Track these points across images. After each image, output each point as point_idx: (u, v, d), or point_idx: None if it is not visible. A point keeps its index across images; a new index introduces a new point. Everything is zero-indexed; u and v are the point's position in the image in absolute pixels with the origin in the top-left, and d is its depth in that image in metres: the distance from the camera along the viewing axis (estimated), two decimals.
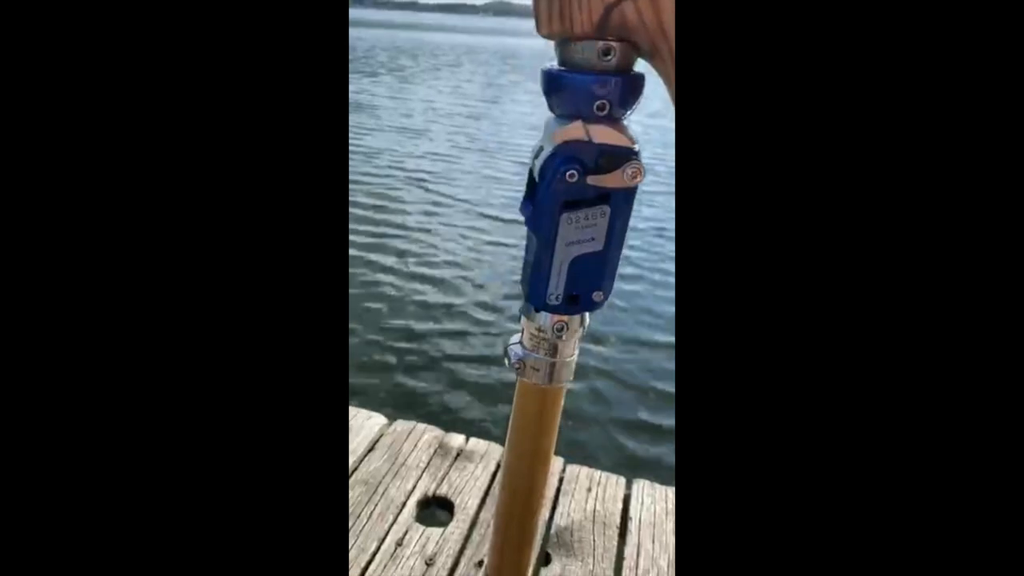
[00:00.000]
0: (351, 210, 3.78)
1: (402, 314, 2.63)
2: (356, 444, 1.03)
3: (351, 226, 3.49)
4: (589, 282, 0.36)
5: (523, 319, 0.39)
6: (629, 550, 0.87)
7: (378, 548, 0.84)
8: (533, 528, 0.46)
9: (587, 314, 0.38)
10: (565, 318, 0.37)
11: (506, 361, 0.40)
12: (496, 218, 3.83)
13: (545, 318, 0.37)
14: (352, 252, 3.11)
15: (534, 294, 0.37)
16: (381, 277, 2.95)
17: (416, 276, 2.99)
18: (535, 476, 0.42)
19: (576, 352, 0.40)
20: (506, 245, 3.42)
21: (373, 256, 3.16)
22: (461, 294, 2.84)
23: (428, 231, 3.60)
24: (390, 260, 3.15)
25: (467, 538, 0.87)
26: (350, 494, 0.93)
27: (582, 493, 0.96)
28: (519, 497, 0.44)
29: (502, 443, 1.06)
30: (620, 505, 0.94)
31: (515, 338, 0.41)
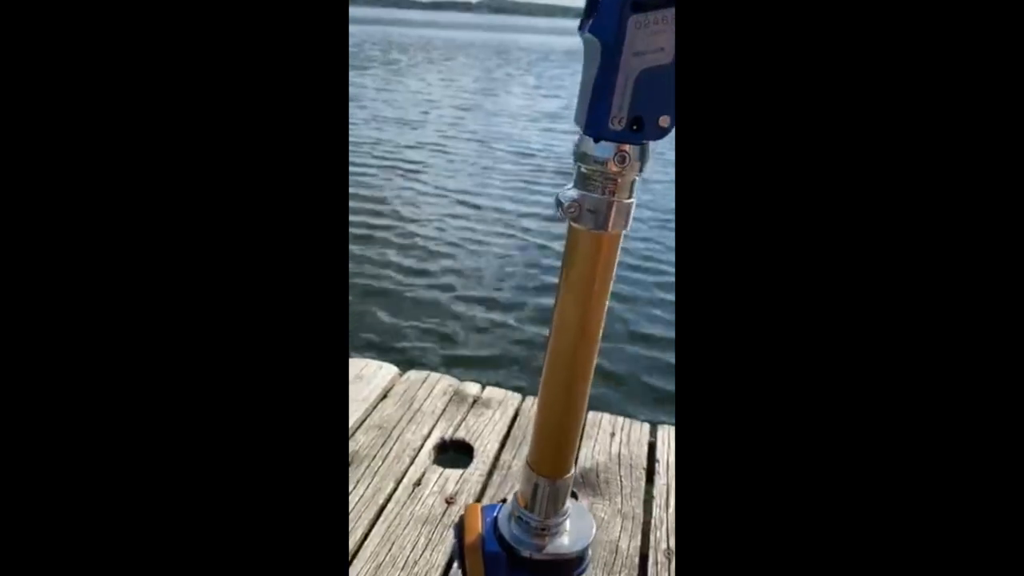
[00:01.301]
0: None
1: (396, 305, 2.59)
2: (368, 392, 0.99)
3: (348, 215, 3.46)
4: (655, 102, 0.32)
5: (576, 159, 0.35)
6: (658, 489, 0.83)
7: (395, 488, 0.80)
8: (580, 409, 0.42)
9: (648, 150, 0.35)
10: (627, 147, 0.34)
11: (558, 210, 0.36)
12: (490, 208, 3.79)
13: (605, 148, 0.34)
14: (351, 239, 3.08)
15: (593, 120, 0.33)
16: (375, 270, 2.91)
17: (413, 268, 2.96)
18: (585, 337, 0.39)
19: (635, 197, 0.36)
20: (502, 235, 3.39)
21: (367, 248, 3.13)
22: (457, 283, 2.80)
23: (419, 222, 3.56)
24: (382, 251, 3.11)
25: (488, 479, 0.84)
26: (363, 438, 0.89)
27: (605, 437, 0.93)
28: (565, 367, 0.40)
29: (518, 391, 1.02)
30: (645, 449, 0.91)
31: (567, 186, 0.37)
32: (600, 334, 0.40)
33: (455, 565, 0.70)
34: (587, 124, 0.34)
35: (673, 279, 2.60)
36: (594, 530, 0.49)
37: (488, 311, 2.45)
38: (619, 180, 0.35)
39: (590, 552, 0.49)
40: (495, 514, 0.49)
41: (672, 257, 2.85)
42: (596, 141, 0.34)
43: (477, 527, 0.48)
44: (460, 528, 0.49)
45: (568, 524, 0.48)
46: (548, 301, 2.52)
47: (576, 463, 0.86)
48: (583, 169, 0.35)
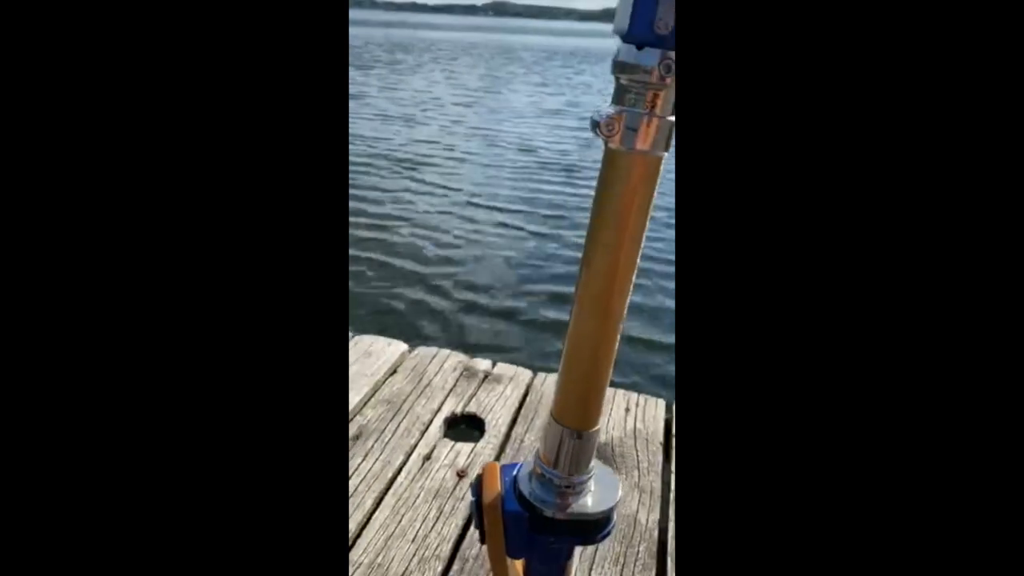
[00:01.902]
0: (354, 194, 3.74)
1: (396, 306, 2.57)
2: (377, 367, 0.97)
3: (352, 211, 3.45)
4: None
5: (615, 71, 0.33)
6: (676, 465, 0.80)
7: (405, 462, 0.78)
8: (610, 351, 0.39)
9: None
10: (673, 55, 0.31)
11: (594, 130, 0.34)
12: (496, 207, 3.77)
13: (649, 55, 0.31)
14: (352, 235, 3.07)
15: (637, 23, 0.31)
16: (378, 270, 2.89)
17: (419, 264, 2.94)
18: (618, 275, 0.36)
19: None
20: (508, 228, 3.37)
21: (370, 245, 3.11)
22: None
23: (425, 214, 3.54)
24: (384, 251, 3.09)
25: (500, 452, 0.81)
26: (371, 413, 0.87)
27: (620, 413, 0.90)
28: (597, 306, 0.37)
29: (529, 368, 0.99)
30: (662, 424, 0.88)
31: (605, 104, 0.34)
32: (635, 272, 0.37)
33: (472, 526, 0.67)
34: (629, 29, 0.31)
35: None
36: (620, 492, 0.46)
37: (491, 301, 2.43)
38: (663, 93, 0.32)
39: (615, 515, 0.46)
40: (515, 473, 0.47)
41: None
42: (639, 48, 0.31)
43: (496, 486, 0.45)
44: (478, 487, 0.46)
45: (592, 485, 0.46)
46: (551, 294, 2.49)
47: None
48: (623, 81, 0.32)
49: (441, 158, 4.68)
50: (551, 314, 2.31)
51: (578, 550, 0.50)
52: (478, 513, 0.46)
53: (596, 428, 0.43)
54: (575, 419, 0.42)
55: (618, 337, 0.39)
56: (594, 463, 0.46)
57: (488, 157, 4.81)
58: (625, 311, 0.38)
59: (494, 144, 5.27)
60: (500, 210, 3.55)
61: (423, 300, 2.42)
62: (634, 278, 0.37)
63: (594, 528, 0.45)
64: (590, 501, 0.45)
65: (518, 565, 0.50)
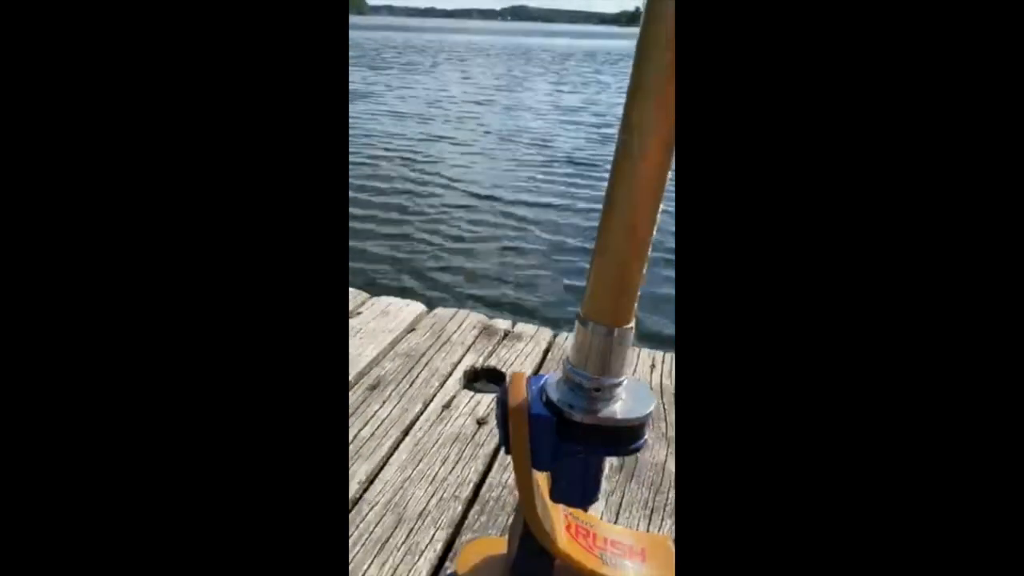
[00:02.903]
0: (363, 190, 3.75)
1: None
2: (395, 325, 0.95)
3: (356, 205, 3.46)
4: None
5: None
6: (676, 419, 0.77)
7: (423, 410, 0.76)
8: (647, 234, 0.36)
9: None
10: None
11: None
12: (507, 202, 3.76)
13: None
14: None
15: None
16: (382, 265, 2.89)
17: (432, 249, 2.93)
18: (662, 129, 0.33)
19: None
20: (512, 226, 3.35)
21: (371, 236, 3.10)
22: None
23: (435, 214, 3.54)
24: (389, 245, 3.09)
25: None
26: (389, 365, 0.85)
27: (645, 369, 0.87)
28: (634, 182, 0.35)
29: (551, 327, 0.96)
30: None
31: None
32: (674, 146, 0.34)
33: (501, 451, 0.65)
34: None
35: None
36: (653, 404, 0.44)
37: (503, 286, 2.41)
38: None
39: (648, 429, 0.44)
40: (543, 381, 0.44)
41: None
42: None
43: (523, 392, 0.43)
44: (503, 395, 0.44)
45: (624, 393, 0.43)
46: (565, 278, 2.46)
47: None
48: None
49: (459, 147, 4.68)
50: (566, 293, 2.29)
51: (603, 496, 0.48)
52: (503, 420, 0.43)
53: (629, 326, 0.40)
54: (606, 313, 0.39)
55: (656, 220, 0.36)
56: (626, 376, 0.43)
57: (503, 148, 4.80)
58: (664, 186, 0.35)
59: (508, 138, 5.27)
60: (509, 199, 3.54)
61: (442, 269, 2.41)
62: (672, 154, 0.34)
63: (625, 437, 0.42)
64: (620, 408, 0.42)
65: (543, 486, 0.48)
